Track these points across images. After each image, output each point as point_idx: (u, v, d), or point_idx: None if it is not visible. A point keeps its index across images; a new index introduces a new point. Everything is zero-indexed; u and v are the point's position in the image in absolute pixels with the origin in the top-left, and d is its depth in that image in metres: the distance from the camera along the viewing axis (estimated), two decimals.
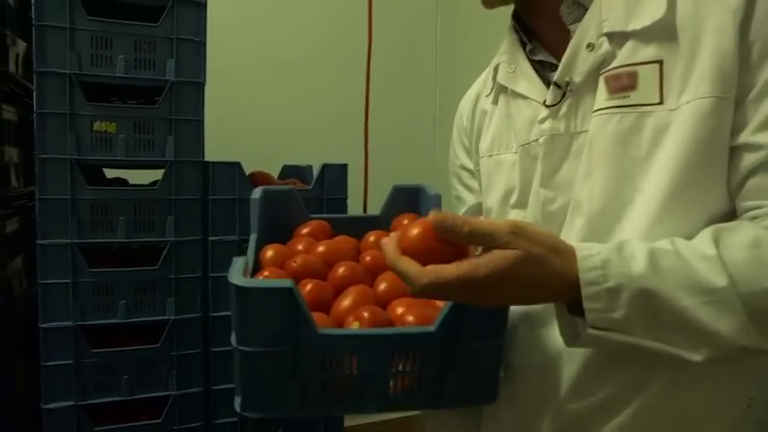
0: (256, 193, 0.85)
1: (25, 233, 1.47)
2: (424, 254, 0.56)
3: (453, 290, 0.56)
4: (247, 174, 1.54)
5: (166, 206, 1.44)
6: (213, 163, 1.48)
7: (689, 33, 0.66)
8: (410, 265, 0.56)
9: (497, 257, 0.55)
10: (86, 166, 1.39)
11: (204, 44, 1.45)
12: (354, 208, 1.67)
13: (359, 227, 0.89)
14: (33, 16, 1.30)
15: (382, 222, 0.91)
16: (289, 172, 1.82)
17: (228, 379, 1.50)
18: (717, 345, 0.57)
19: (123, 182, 1.63)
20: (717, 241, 0.59)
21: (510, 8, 0.89)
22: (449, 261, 0.55)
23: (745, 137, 0.63)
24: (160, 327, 1.44)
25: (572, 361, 0.69)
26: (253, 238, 0.82)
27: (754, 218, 0.62)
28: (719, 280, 0.56)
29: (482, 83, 0.98)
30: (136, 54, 1.39)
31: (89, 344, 1.38)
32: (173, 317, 1.44)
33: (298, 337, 0.58)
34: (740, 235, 0.59)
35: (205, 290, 1.49)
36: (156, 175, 1.51)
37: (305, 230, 0.87)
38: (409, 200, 0.94)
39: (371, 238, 0.86)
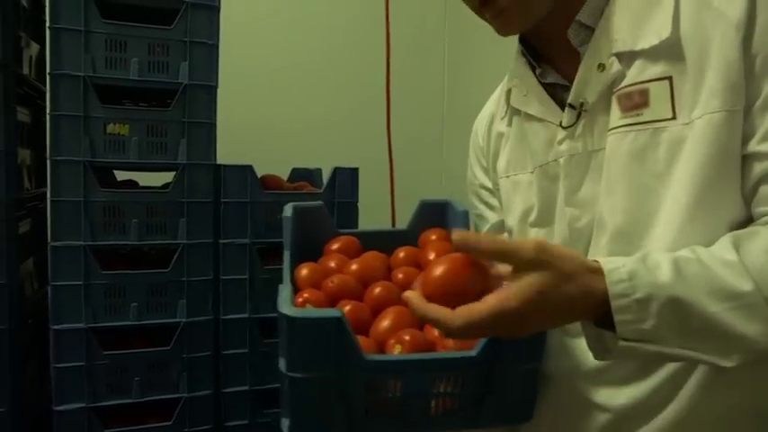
0: (287, 210, 0.86)
1: (37, 235, 1.46)
2: (449, 295, 0.56)
3: (487, 327, 0.56)
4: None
5: (178, 209, 1.44)
6: (225, 166, 1.48)
7: (695, 49, 0.68)
8: (439, 312, 0.56)
9: (525, 285, 0.55)
10: (98, 168, 1.38)
11: (217, 47, 1.45)
12: (369, 212, 1.67)
13: (387, 241, 0.90)
14: (48, 19, 1.29)
15: (409, 237, 0.92)
16: (298, 175, 1.83)
17: (239, 382, 1.51)
18: (747, 349, 0.59)
19: (134, 184, 1.63)
20: (737, 247, 0.61)
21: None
22: (477, 298, 0.55)
23: (753, 146, 0.66)
24: (171, 329, 1.44)
25: (607, 365, 0.71)
26: (286, 254, 0.83)
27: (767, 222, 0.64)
28: (744, 285, 0.58)
29: (495, 103, 0.99)
30: (149, 57, 1.39)
31: (100, 346, 1.38)
32: (184, 319, 1.45)
33: (345, 363, 0.60)
34: (759, 240, 0.61)
35: (216, 293, 1.50)
36: (166, 177, 1.52)
37: (335, 246, 0.88)
38: (436, 215, 0.95)
39: (401, 255, 0.87)
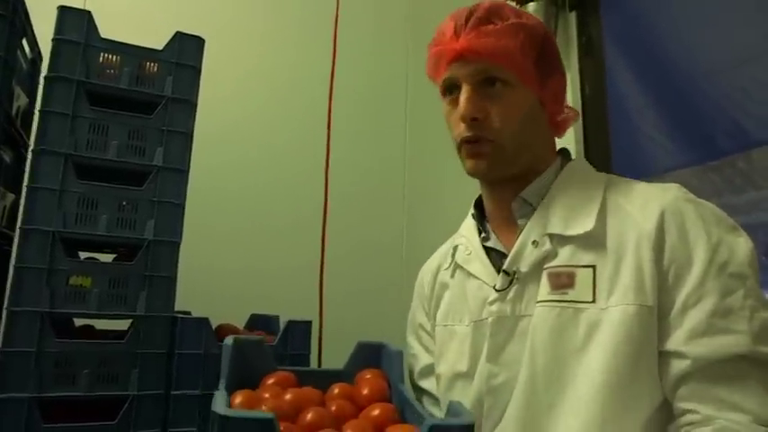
0: (228, 339, 0.92)
1: None
2: None
3: None
4: (216, 324, 1.59)
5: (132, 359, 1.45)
6: (182, 318, 1.52)
7: (615, 246, 0.79)
8: None
9: None
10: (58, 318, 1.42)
11: (183, 207, 1.57)
12: None
13: (323, 379, 0.94)
14: (27, 179, 1.41)
15: (345, 376, 0.97)
16: (256, 321, 1.86)
17: None
18: None
19: (91, 329, 1.65)
20: None
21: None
22: None
23: (671, 345, 0.74)
24: None
25: None
26: (222, 383, 0.86)
27: (690, 422, 0.71)
28: None
29: (443, 255, 1.09)
30: (118, 214, 1.49)
31: None
32: None
33: None
34: None
35: None
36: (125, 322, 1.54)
37: (271, 381, 0.92)
38: (372, 355, 1.00)
39: (336, 390, 0.90)
